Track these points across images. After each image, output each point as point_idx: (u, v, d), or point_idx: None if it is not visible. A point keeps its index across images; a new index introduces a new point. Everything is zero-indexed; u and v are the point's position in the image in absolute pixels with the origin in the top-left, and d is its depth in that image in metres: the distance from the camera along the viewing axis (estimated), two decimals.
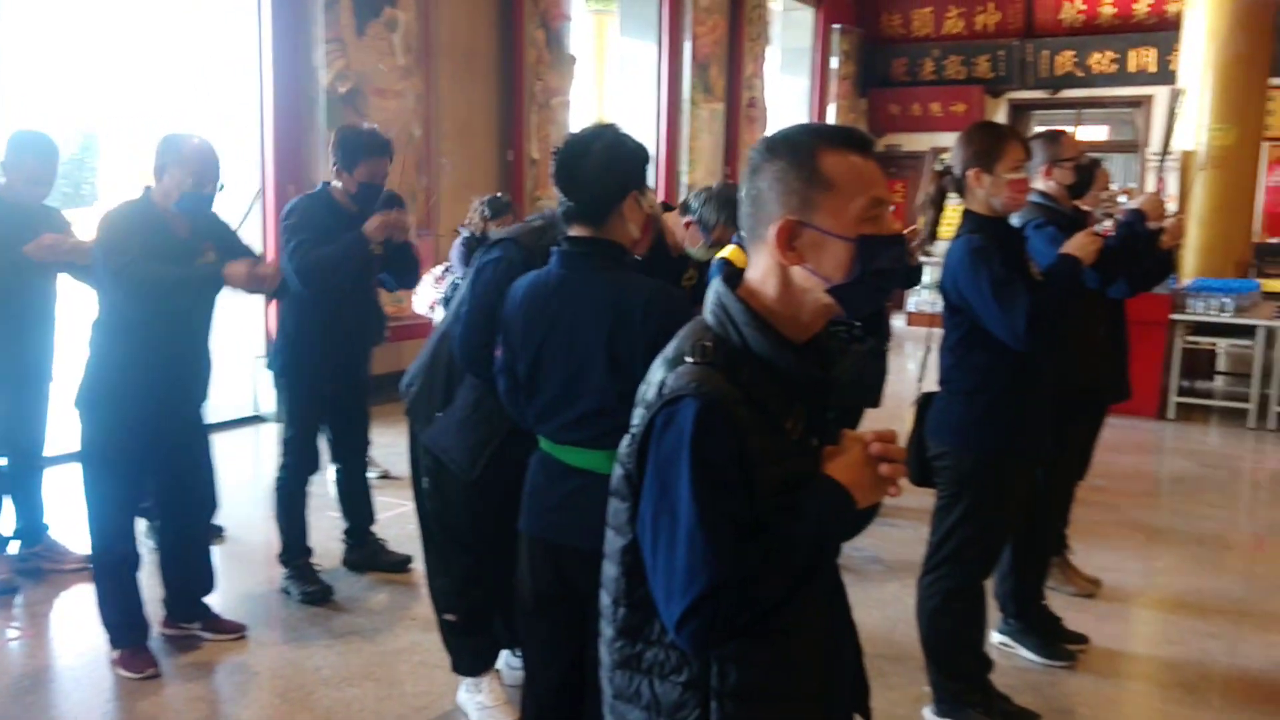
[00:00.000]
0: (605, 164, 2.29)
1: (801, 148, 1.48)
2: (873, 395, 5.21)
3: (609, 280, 2.28)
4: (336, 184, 4.16)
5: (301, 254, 3.95)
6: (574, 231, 2.34)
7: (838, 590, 1.64)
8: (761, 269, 1.52)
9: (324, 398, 4.28)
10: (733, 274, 1.55)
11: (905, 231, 5.05)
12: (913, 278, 5.11)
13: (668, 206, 3.99)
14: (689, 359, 1.46)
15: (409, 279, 4.54)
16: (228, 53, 7.06)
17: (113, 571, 3.60)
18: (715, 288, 1.53)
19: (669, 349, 1.53)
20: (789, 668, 1.51)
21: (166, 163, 3.48)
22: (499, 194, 5.72)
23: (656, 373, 1.51)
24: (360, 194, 4.11)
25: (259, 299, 6.82)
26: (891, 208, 1.52)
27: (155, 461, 3.62)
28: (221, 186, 3.59)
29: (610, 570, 1.57)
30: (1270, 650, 3.94)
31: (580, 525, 2.22)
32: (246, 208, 3.88)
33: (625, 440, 1.53)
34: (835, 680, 1.61)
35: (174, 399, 3.61)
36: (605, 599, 1.59)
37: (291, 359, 4.23)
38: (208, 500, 3.91)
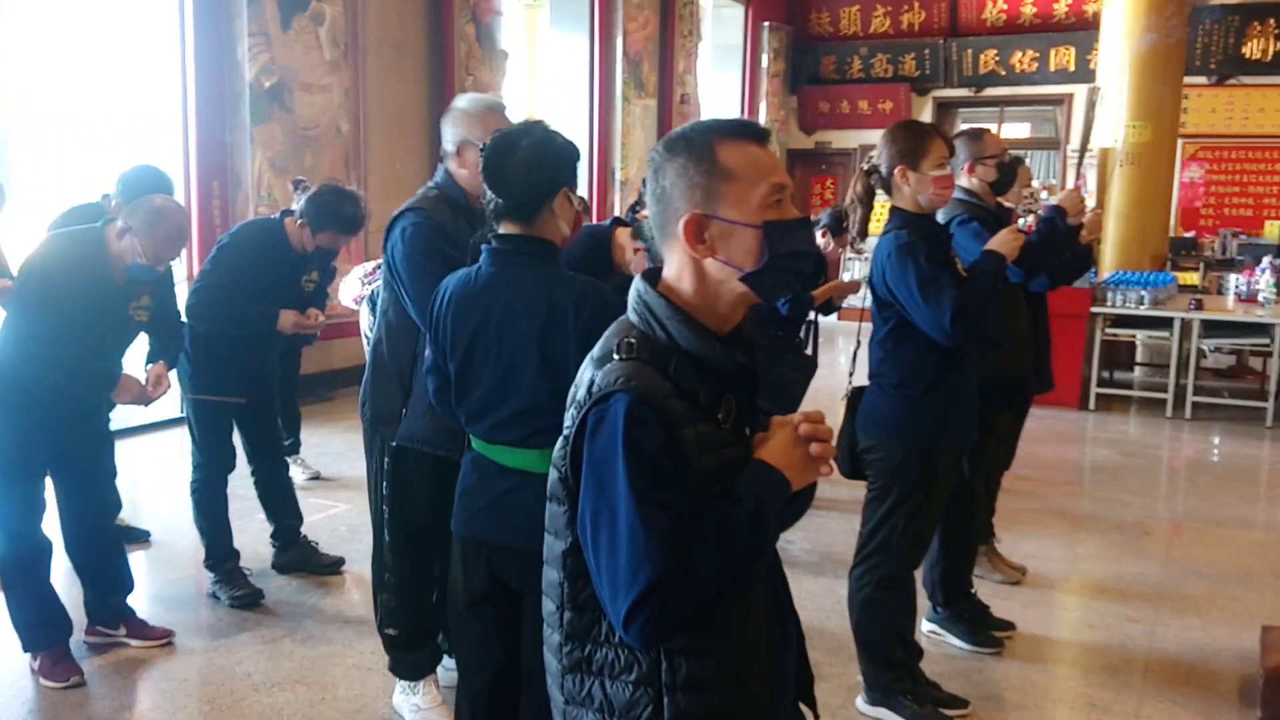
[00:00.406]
0: (534, 161, 2.28)
1: (699, 143, 1.51)
2: (787, 404, 5.31)
3: (540, 278, 2.28)
4: (296, 223, 4.22)
5: (207, 298, 4.05)
6: (503, 229, 2.33)
7: (780, 579, 1.66)
8: (676, 265, 1.54)
9: (225, 407, 4.24)
10: (652, 272, 1.57)
11: (841, 283, 5.18)
12: (829, 308, 5.25)
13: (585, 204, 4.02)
14: (616, 356, 1.47)
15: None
16: (148, 47, 6.90)
17: (21, 571, 3.52)
18: (636, 285, 1.55)
19: (596, 349, 1.54)
20: (738, 657, 1.52)
21: (135, 226, 3.43)
22: None
23: (585, 373, 1.52)
24: (318, 254, 4.27)
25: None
26: (792, 191, 1.55)
27: (59, 466, 3.56)
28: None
29: (552, 575, 1.57)
30: (1187, 633, 4.07)
31: (513, 524, 2.21)
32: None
33: (559, 443, 1.53)
34: (782, 669, 1.63)
35: (85, 406, 3.57)
36: (549, 605, 1.58)
37: (192, 369, 4.21)
38: (111, 499, 3.86)
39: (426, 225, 2.89)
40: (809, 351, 5.34)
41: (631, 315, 1.55)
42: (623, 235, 3.72)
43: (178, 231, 3.52)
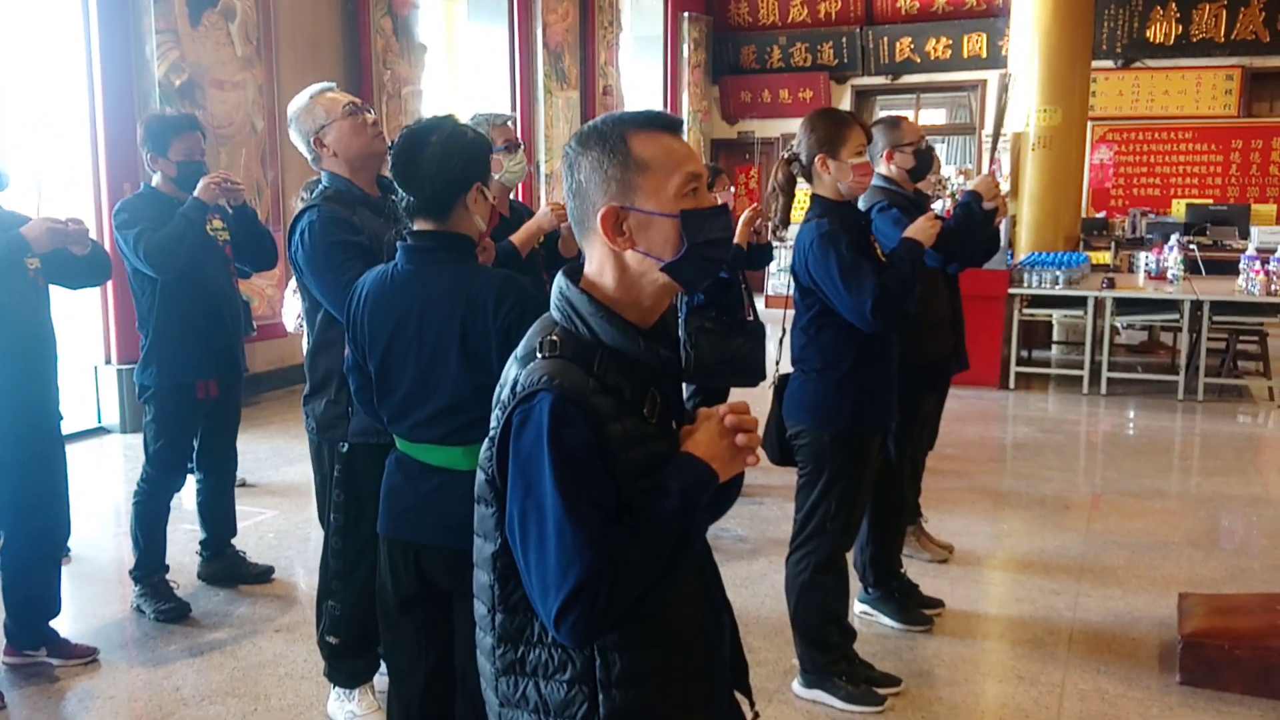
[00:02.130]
0: (444, 157, 2.26)
1: (611, 135, 1.52)
2: (755, 374, 5.35)
3: (457, 273, 2.26)
4: (156, 176, 4.05)
5: (145, 240, 3.83)
6: (418, 226, 2.30)
7: (711, 570, 1.67)
8: (597, 260, 1.55)
9: (196, 403, 4.08)
10: (574, 269, 1.57)
11: (750, 209, 5.20)
12: (763, 257, 5.23)
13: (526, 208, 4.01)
14: (539, 354, 1.47)
15: (266, 258, 4.36)
16: (52, 45, 6.69)
17: None
18: (558, 283, 1.55)
19: (520, 347, 1.54)
20: (672, 649, 1.53)
21: None
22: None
23: (510, 372, 1.51)
24: (182, 175, 3.99)
25: (93, 295, 6.55)
26: (727, 185, 1.56)
27: (9, 477, 3.43)
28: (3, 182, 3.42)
29: (482, 578, 1.56)
30: (1108, 603, 4.19)
31: (439, 524, 2.20)
32: (37, 194, 3.68)
33: (485, 444, 1.53)
34: (717, 658, 1.64)
35: (24, 415, 3.44)
36: (480, 608, 1.57)
37: (159, 361, 4.02)
38: (61, 521, 3.73)
39: (323, 219, 2.87)
40: (750, 317, 5.38)
41: (554, 312, 1.54)
42: (566, 227, 3.72)
43: None
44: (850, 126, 3.35)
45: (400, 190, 2.28)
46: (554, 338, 1.48)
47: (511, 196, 4.15)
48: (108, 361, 6.87)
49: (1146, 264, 8.90)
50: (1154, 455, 6.63)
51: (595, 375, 1.46)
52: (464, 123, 2.36)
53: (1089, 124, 10.74)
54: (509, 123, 3.89)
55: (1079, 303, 8.25)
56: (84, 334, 6.84)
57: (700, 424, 1.53)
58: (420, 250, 2.29)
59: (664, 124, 1.55)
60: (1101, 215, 12.31)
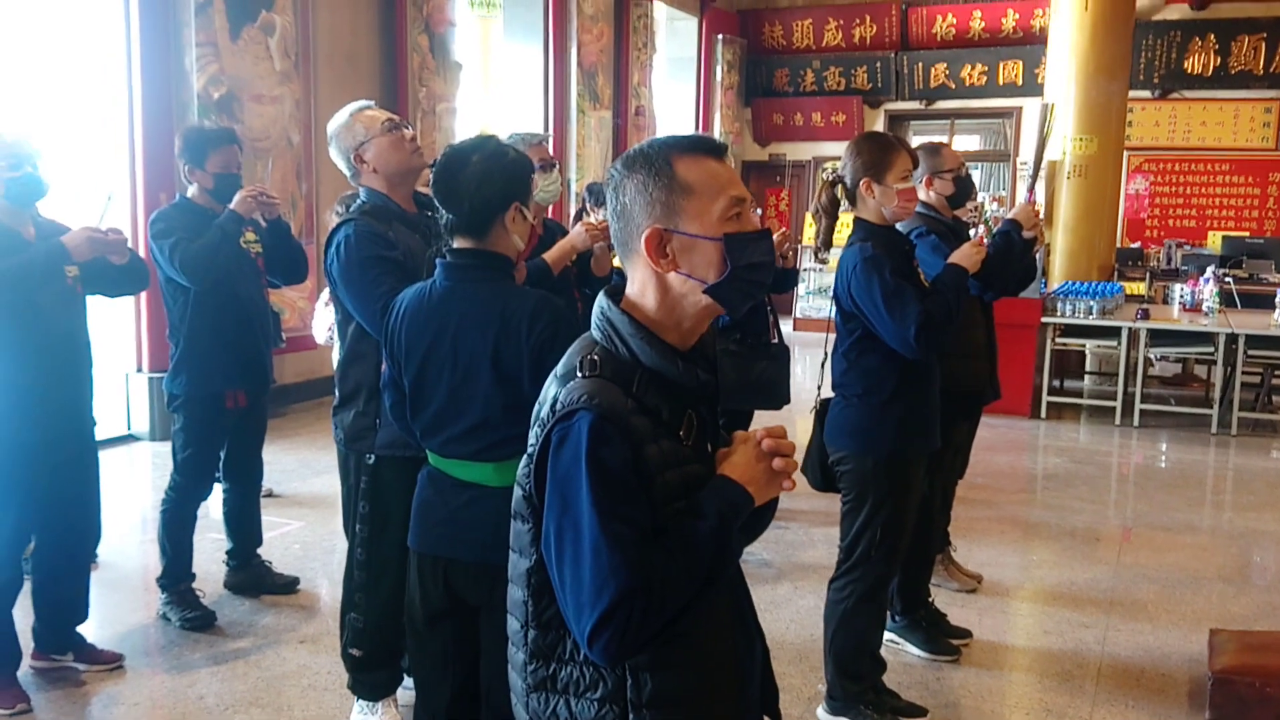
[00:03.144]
0: (484, 176, 2.27)
1: (657, 159, 1.53)
2: (778, 397, 5.34)
3: (493, 291, 2.27)
4: (192, 188, 4.08)
5: (181, 250, 3.86)
6: (457, 244, 2.32)
7: (744, 593, 1.67)
8: (639, 281, 1.55)
9: (226, 413, 4.11)
10: (615, 289, 1.57)
11: (778, 233, 5.20)
12: (789, 281, 5.21)
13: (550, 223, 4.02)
14: (580, 374, 1.47)
15: (297, 272, 4.39)
16: (95, 58, 6.79)
17: None
18: (599, 303, 1.56)
19: (560, 366, 1.54)
20: (703, 672, 1.52)
21: None
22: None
23: (549, 390, 1.52)
24: (218, 187, 4.03)
25: (125, 305, 6.62)
26: (754, 205, 1.56)
27: (43, 484, 3.45)
28: (35, 167, 3.45)
29: (516, 594, 1.56)
30: (1138, 637, 4.13)
31: (469, 539, 2.20)
32: (101, 211, 3.71)
33: (523, 460, 1.53)
34: (746, 683, 1.63)
35: (60, 419, 3.47)
36: (514, 623, 1.57)
37: (189, 371, 4.05)
38: (92, 527, 3.76)
39: (358, 234, 2.89)
40: (775, 340, 5.37)
41: (595, 332, 1.55)
42: (599, 247, 3.72)
43: (3, 131, 3.42)
44: (896, 151, 3.33)
45: (441, 208, 2.29)
46: (594, 357, 1.49)
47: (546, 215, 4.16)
48: (139, 369, 6.93)
49: (1181, 296, 8.81)
50: (1186, 489, 6.54)
51: (634, 396, 1.46)
52: (505, 143, 2.37)
53: (1125, 154, 10.67)
54: (544, 142, 3.91)
55: (1112, 333, 8.17)
56: (115, 342, 6.90)
57: (737, 447, 1.53)
58: (458, 268, 2.30)
59: (709, 148, 1.56)
60: (1136, 246, 12.21)
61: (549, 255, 3.52)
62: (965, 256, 3.34)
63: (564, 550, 1.41)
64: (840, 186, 3.37)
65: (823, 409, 3.47)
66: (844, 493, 3.39)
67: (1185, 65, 12.89)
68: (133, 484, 6.16)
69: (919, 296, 3.17)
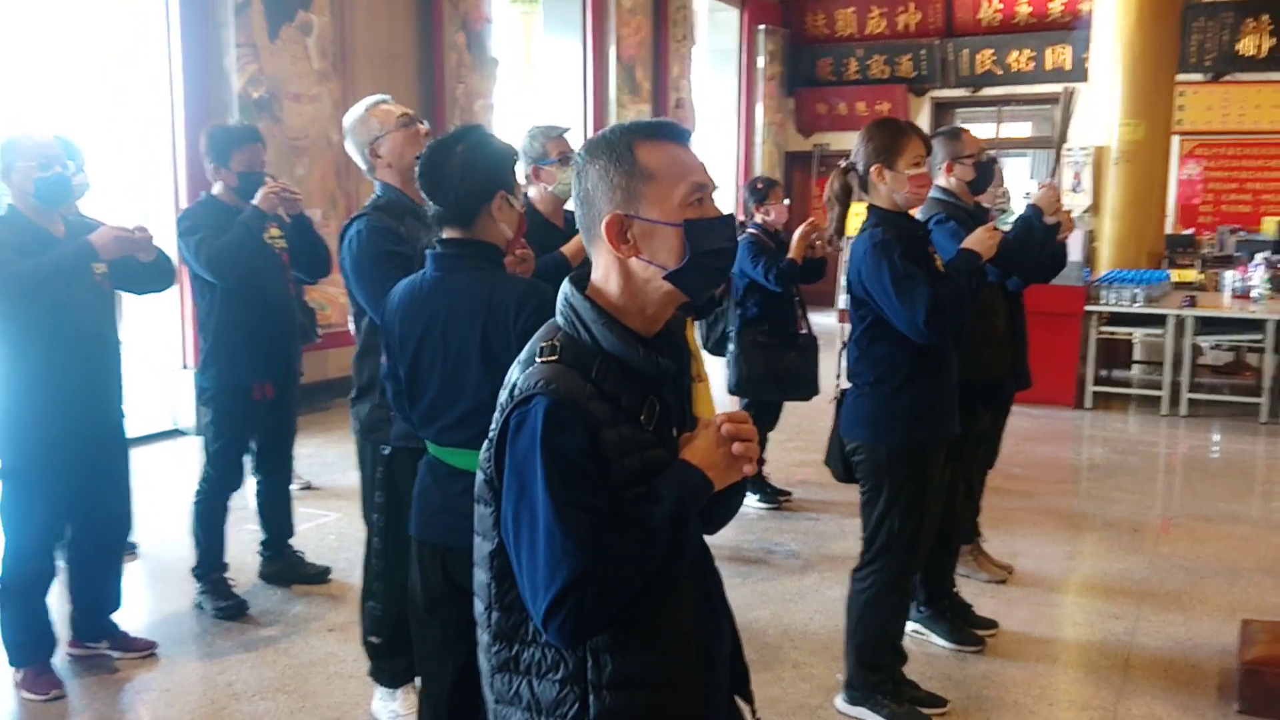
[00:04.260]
0: (467, 166, 2.30)
1: (619, 144, 1.54)
2: (807, 388, 5.32)
3: (481, 280, 2.30)
4: (217, 185, 4.17)
5: (206, 247, 3.95)
6: (446, 234, 2.35)
7: (711, 574, 1.67)
8: (603, 267, 1.56)
9: (254, 405, 4.18)
10: (581, 276, 1.58)
11: (806, 223, 5.15)
12: (818, 271, 5.19)
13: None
14: (538, 359, 1.49)
15: (321, 267, 4.45)
16: (136, 59, 6.93)
17: (24, 590, 3.52)
18: (563, 289, 1.57)
19: (523, 352, 1.56)
20: (664, 653, 1.53)
21: (9, 162, 3.40)
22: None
23: (512, 375, 1.54)
24: (243, 185, 4.10)
25: (171, 303, 6.76)
26: (715, 190, 1.56)
27: (74, 477, 3.54)
28: (79, 167, 3.53)
29: (481, 576, 1.59)
30: (1169, 628, 4.06)
31: (465, 526, 2.20)
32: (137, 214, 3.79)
33: (484, 445, 1.55)
34: (713, 664, 1.63)
35: (89, 414, 3.55)
36: (479, 605, 1.60)
37: (218, 365, 4.14)
38: (123, 517, 3.84)
39: (371, 230, 2.93)
40: (804, 331, 5.36)
41: (559, 318, 1.56)
42: None
43: (37, 133, 3.51)
44: (908, 136, 3.30)
45: (427, 199, 2.32)
46: (555, 343, 1.50)
47: (566, 207, 4.18)
48: (183, 366, 7.08)
49: (1232, 282, 8.61)
50: (1231, 479, 6.40)
51: (593, 381, 1.47)
52: (489, 133, 2.40)
53: (1177, 138, 10.44)
54: (564, 135, 3.93)
55: (1159, 321, 8.01)
56: (160, 339, 7.05)
57: (699, 432, 1.53)
58: (447, 257, 2.33)
59: (672, 134, 1.57)
60: (1189, 232, 11.93)
61: (567, 248, 3.54)
62: (978, 241, 3.29)
63: (520, 533, 1.43)
64: (852, 173, 3.35)
65: (842, 399, 3.46)
66: (861, 483, 3.37)
67: (1238, 47, 12.56)
68: (177, 478, 6.29)
69: (930, 281, 3.14)
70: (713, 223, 1.54)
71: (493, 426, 1.52)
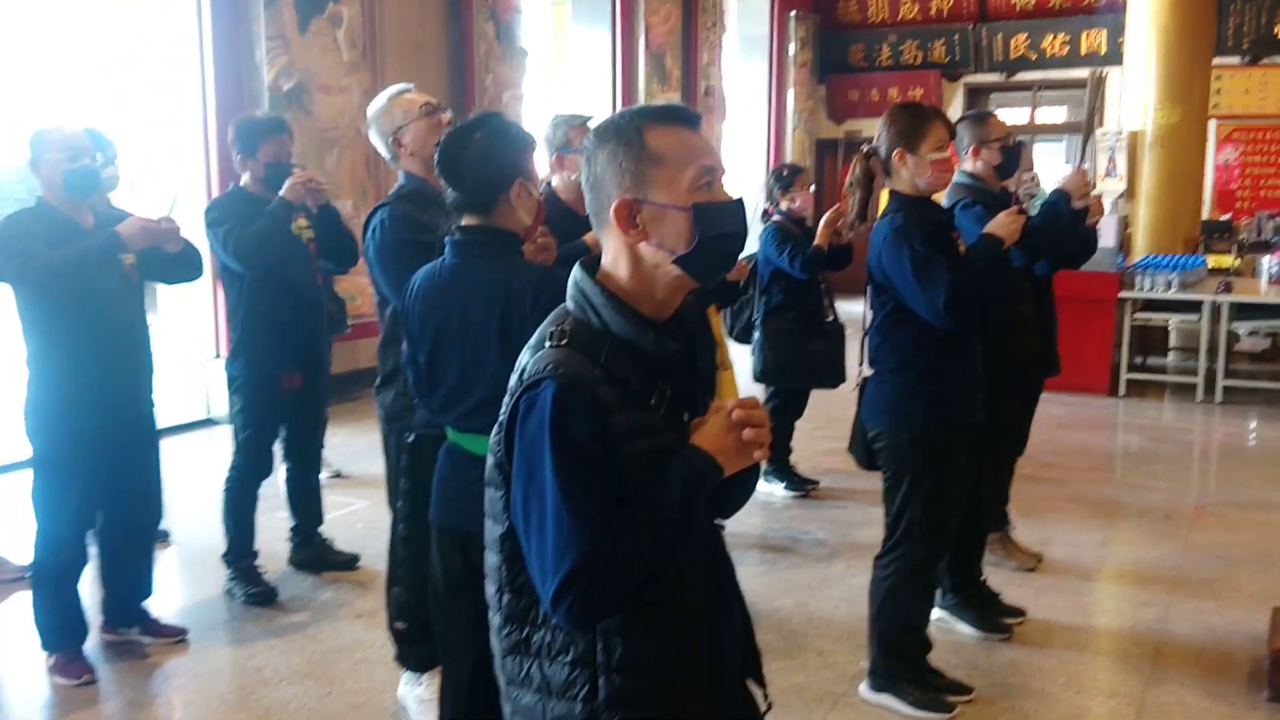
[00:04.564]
0: (486, 153, 2.31)
1: (627, 129, 1.53)
2: (833, 375, 5.30)
3: (499, 266, 2.31)
4: (244, 177, 4.20)
5: (234, 238, 3.99)
6: (465, 221, 2.36)
7: (723, 557, 1.68)
8: (612, 252, 1.56)
9: (282, 394, 4.22)
10: (591, 261, 1.58)
11: (832, 210, 5.11)
12: (844, 258, 5.15)
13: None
14: (548, 343, 1.49)
15: (347, 257, 4.47)
16: (166, 52, 7.00)
17: (55, 578, 3.58)
18: (574, 273, 1.57)
19: (534, 336, 1.56)
20: (673, 637, 1.53)
21: (39, 154, 3.45)
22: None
23: (522, 359, 1.54)
24: (270, 176, 4.13)
25: (204, 293, 6.84)
26: (724, 174, 1.56)
27: (105, 465, 3.59)
28: (110, 159, 3.55)
29: (492, 559, 1.60)
30: (1198, 616, 4.02)
31: (484, 512, 2.24)
32: (168, 209, 3.82)
33: (494, 429, 1.56)
34: (722, 647, 1.64)
35: (119, 404, 3.59)
36: (490, 588, 1.61)
37: (247, 354, 4.18)
38: (153, 505, 3.90)
39: (394, 218, 2.95)
40: (830, 318, 5.33)
41: (569, 303, 1.57)
42: None
43: (65, 125, 3.55)
44: (931, 121, 3.27)
45: (446, 186, 2.33)
46: (564, 327, 1.51)
47: None
48: (215, 356, 7.15)
49: (1270, 268, 8.47)
50: (1266, 466, 6.30)
51: (602, 365, 1.47)
52: (508, 120, 2.40)
53: (1213, 123, 10.27)
54: (588, 124, 3.93)
55: (1194, 307, 7.90)
56: (193, 329, 7.14)
57: (709, 417, 1.53)
58: (465, 245, 2.35)
59: (681, 117, 1.56)
60: (1226, 217, 11.74)
61: (589, 236, 3.54)
62: (1001, 226, 3.26)
63: (530, 517, 1.44)
64: (875, 158, 3.32)
65: (864, 386, 3.44)
66: (883, 470, 3.35)
67: (1276, 30, 12.33)
68: (209, 466, 6.36)
69: (951, 266, 3.11)
70: (722, 206, 1.53)
71: (503, 410, 1.53)
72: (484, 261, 2.33)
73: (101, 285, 3.45)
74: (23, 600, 3.88)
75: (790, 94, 14.34)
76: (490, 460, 1.57)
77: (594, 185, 1.55)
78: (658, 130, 1.52)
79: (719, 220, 1.52)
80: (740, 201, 1.58)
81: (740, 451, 1.50)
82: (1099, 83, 4.22)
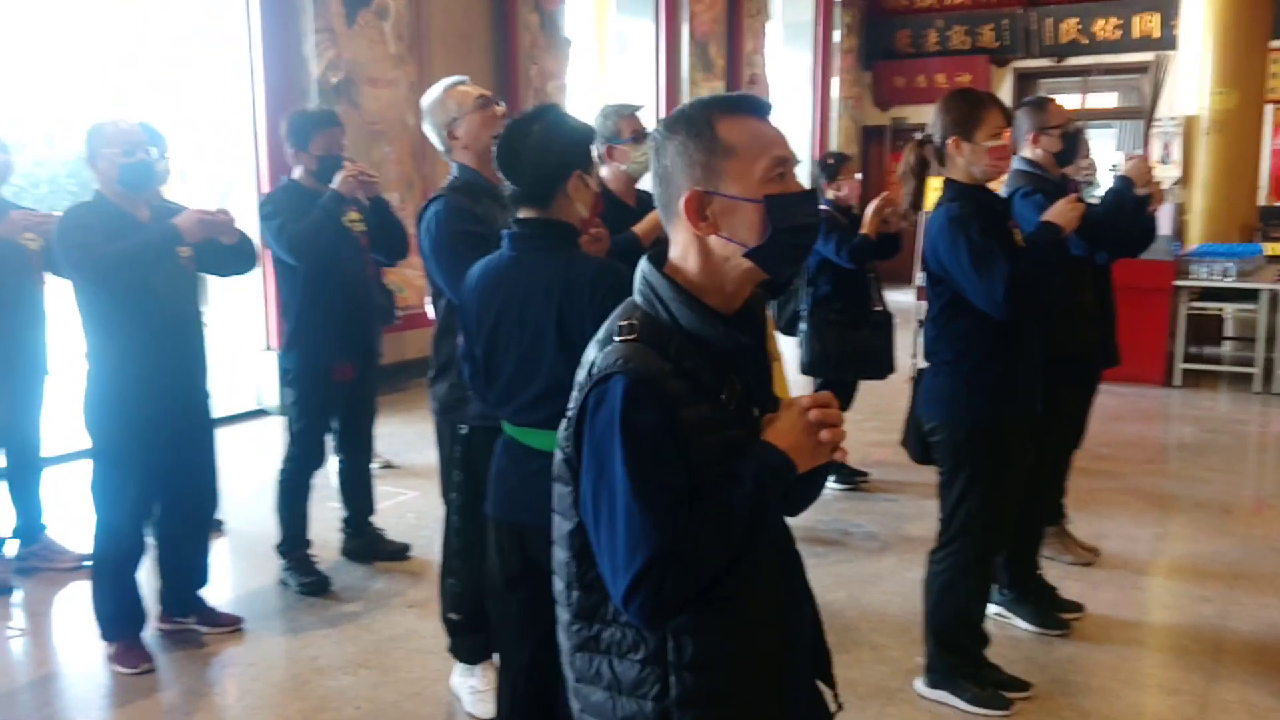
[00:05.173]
0: (544, 145, 2.29)
1: (698, 119, 1.50)
2: (882, 366, 5.24)
3: (557, 259, 2.30)
4: (297, 170, 4.23)
5: (288, 231, 4.02)
6: (522, 214, 2.35)
7: (792, 557, 1.65)
8: (681, 244, 1.53)
9: (334, 385, 4.25)
10: (659, 253, 1.56)
11: (880, 198, 5.05)
12: (893, 247, 5.08)
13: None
14: (616, 338, 1.47)
15: (398, 249, 4.47)
16: (216, 46, 7.07)
17: (115, 567, 3.63)
18: (641, 267, 1.54)
19: (601, 330, 1.54)
20: (744, 636, 1.51)
21: (95, 148, 3.48)
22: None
23: (589, 354, 1.52)
24: (321, 169, 4.15)
25: (255, 286, 6.91)
26: (797, 165, 1.52)
27: (162, 456, 3.63)
28: (162, 155, 3.58)
29: (560, 555, 1.58)
30: (1261, 611, 3.93)
31: (542, 506, 2.21)
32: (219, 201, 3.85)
33: (563, 424, 1.54)
34: (793, 647, 1.62)
35: (175, 395, 3.63)
36: (559, 584, 1.60)
37: (300, 346, 4.22)
38: (209, 496, 3.94)
39: (449, 210, 2.95)
40: (878, 308, 5.26)
41: (637, 296, 1.54)
42: None
43: (121, 120, 3.58)
44: (987, 107, 3.20)
45: (504, 179, 2.32)
46: (632, 321, 1.48)
47: (638, 186, 4.16)
48: (267, 348, 7.23)
49: None
50: None
51: (671, 359, 1.45)
52: (565, 112, 2.39)
53: (1270, 107, 10.04)
54: (637, 114, 3.91)
55: (1251, 296, 7.73)
56: (246, 322, 7.21)
57: (782, 413, 1.50)
58: (523, 237, 2.34)
59: (752, 107, 1.53)
60: None
61: (639, 227, 3.52)
62: (1059, 214, 3.19)
63: (600, 513, 1.42)
64: (929, 145, 3.27)
65: (919, 378, 3.39)
66: (939, 463, 3.30)
67: None
68: (262, 457, 6.44)
69: (1009, 256, 3.05)
70: (795, 198, 1.50)
71: (571, 405, 1.51)
72: (541, 255, 2.32)
73: (159, 278, 3.48)
74: (82, 590, 3.94)
75: (835, 81, 14.23)
76: (559, 455, 1.56)
77: (663, 177, 1.53)
78: (729, 121, 1.49)
79: (792, 212, 1.49)
80: (814, 192, 1.54)
81: (815, 450, 1.47)
82: (1162, 66, 4.11)
